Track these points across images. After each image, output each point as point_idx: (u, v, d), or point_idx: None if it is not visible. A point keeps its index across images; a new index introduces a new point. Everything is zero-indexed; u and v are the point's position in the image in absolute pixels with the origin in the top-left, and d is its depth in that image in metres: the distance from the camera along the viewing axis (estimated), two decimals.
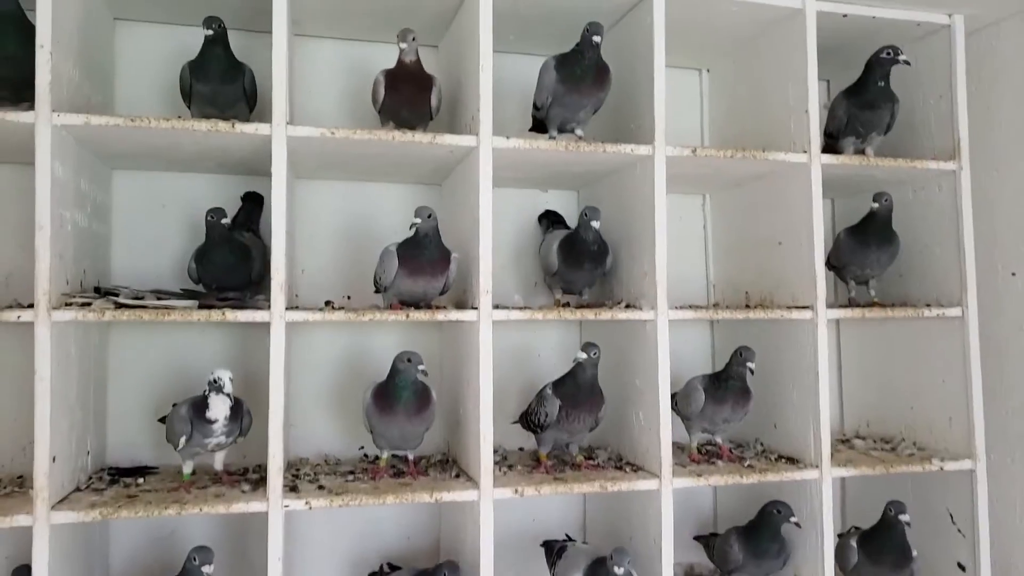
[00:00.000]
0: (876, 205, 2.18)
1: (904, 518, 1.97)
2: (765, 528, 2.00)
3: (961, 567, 2.15)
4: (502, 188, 2.32)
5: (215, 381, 1.74)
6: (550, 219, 2.34)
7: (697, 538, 2.32)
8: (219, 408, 1.74)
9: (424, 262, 1.85)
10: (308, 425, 2.22)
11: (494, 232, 1.86)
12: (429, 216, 1.84)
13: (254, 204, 2.17)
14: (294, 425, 2.16)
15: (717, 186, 2.50)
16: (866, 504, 2.37)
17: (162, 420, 1.90)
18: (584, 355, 1.91)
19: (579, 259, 2.05)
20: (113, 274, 2.11)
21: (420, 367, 1.80)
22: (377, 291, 2.00)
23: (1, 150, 1.87)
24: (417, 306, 1.91)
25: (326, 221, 2.28)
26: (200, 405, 1.75)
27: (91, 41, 1.93)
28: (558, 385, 1.96)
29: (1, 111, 1.64)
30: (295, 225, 2.17)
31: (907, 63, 2.11)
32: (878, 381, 2.48)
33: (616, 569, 1.77)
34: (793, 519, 1.96)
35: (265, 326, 1.74)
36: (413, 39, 1.92)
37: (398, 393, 1.82)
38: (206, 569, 1.67)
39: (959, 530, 2.15)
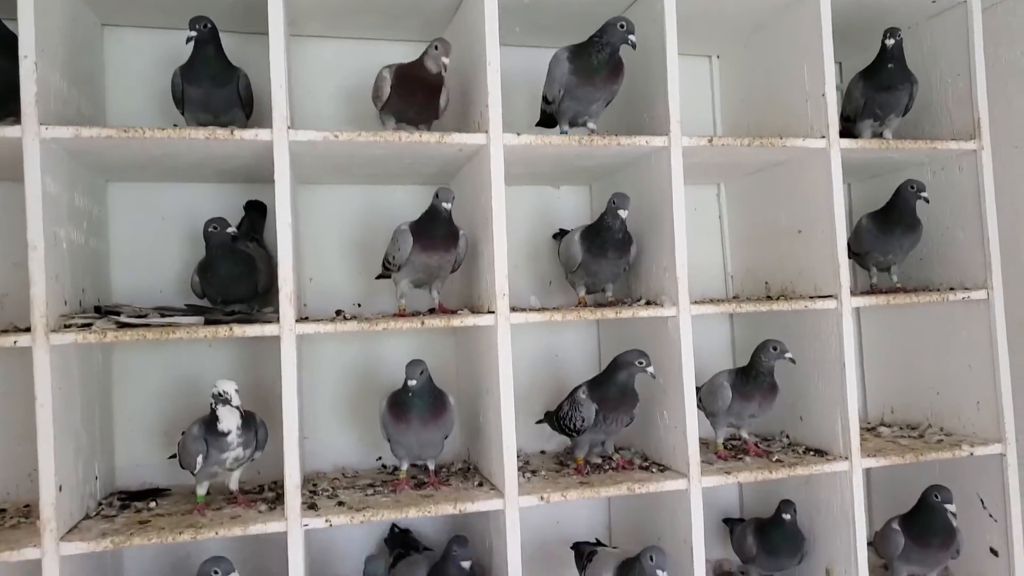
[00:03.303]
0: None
1: (951, 508, 1.94)
2: (777, 525, 2.02)
3: (993, 552, 2.10)
4: (513, 186, 2.26)
5: (220, 395, 1.68)
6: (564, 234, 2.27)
7: (726, 521, 2.33)
8: (229, 419, 1.68)
9: (437, 237, 1.84)
10: (323, 436, 2.15)
11: (507, 232, 1.80)
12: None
13: (257, 213, 2.10)
14: (309, 437, 2.10)
15: (732, 175, 2.43)
16: (892, 490, 2.34)
17: (172, 456, 1.84)
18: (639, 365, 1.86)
19: (604, 248, 1.95)
20: (114, 292, 2.03)
21: (411, 382, 1.74)
22: (385, 274, 1.95)
23: None
24: (429, 286, 1.93)
25: (332, 227, 2.21)
26: (210, 421, 1.69)
27: (78, 49, 1.85)
28: (593, 387, 1.91)
29: None
30: (301, 233, 2.10)
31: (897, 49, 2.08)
32: (901, 367, 2.42)
33: (659, 572, 1.72)
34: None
35: (275, 339, 1.67)
36: (447, 54, 1.84)
37: (411, 401, 1.77)
38: None
39: (991, 515, 2.11)
